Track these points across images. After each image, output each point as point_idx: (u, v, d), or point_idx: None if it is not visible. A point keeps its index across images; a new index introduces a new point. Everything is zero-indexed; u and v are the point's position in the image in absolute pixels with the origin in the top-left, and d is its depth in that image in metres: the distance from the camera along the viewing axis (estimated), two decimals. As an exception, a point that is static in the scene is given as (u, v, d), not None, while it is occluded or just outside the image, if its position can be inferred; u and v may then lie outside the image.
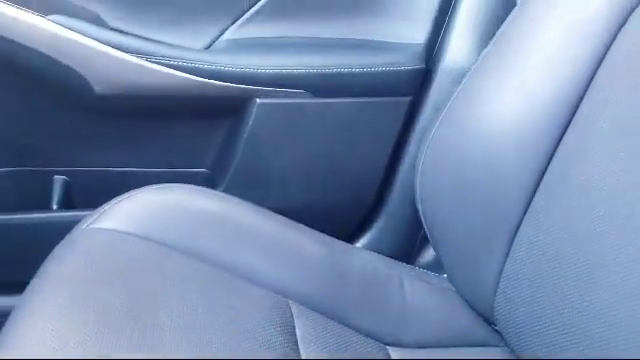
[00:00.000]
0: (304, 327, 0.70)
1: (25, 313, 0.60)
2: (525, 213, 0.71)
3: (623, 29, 0.68)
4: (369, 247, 1.13)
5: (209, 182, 1.08)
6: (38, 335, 0.57)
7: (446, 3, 1.07)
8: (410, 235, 1.09)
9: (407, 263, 0.95)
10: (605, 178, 0.61)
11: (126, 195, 0.81)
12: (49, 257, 0.72)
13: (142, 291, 0.65)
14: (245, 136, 1.06)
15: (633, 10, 0.68)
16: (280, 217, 0.87)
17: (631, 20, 0.67)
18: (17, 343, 0.56)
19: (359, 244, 1.14)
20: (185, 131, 1.11)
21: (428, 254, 1.09)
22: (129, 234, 0.74)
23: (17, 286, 0.69)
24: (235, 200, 0.87)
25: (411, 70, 1.05)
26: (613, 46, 0.68)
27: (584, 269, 0.60)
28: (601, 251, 0.59)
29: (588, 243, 0.60)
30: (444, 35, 1.08)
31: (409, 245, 1.10)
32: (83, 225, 0.75)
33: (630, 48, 0.65)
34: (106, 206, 0.78)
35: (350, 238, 1.12)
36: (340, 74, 1.04)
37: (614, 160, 0.60)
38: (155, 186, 0.85)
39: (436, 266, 1.03)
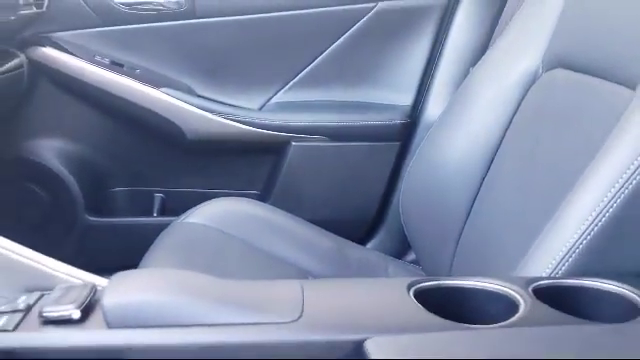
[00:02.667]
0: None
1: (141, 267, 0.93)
2: (467, 217, 0.98)
3: (525, 98, 0.96)
4: (372, 247, 1.42)
5: (261, 200, 1.40)
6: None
7: (425, 77, 1.40)
8: (400, 241, 1.34)
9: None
10: (506, 185, 0.91)
11: (205, 203, 1.15)
12: (157, 239, 1.04)
13: (214, 260, 0.98)
14: (284, 168, 1.42)
15: (530, 86, 0.96)
16: (307, 223, 1.18)
17: (529, 94, 0.96)
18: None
19: (367, 245, 1.41)
20: (244, 164, 1.48)
21: (412, 255, 1.35)
22: (206, 226, 1.08)
23: (133, 267, 0.92)
24: (277, 210, 1.19)
25: (400, 123, 1.40)
26: (518, 111, 0.96)
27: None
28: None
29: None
30: (424, 98, 1.42)
31: (400, 247, 1.37)
32: (178, 220, 1.10)
33: (526, 113, 0.95)
34: (193, 209, 1.12)
35: (359, 241, 1.38)
36: (349, 126, 1.41)
37: (512, 178, 0.91)
38: (225, 198, 1.22)
39: (416, 262, 1.27)
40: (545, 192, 0.79)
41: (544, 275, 0.65)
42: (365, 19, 1.42)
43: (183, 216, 1.12)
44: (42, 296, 0.55)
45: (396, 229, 1.35)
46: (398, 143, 1.42)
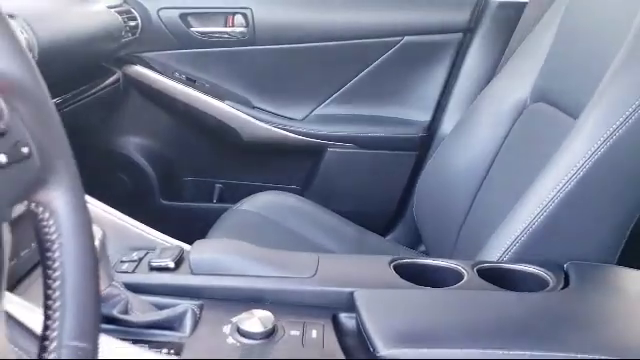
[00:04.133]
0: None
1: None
2: (467, 213, 1.09)
3: (515, 123, 1.08)
4: (390, 238, 1.53)
5: (300, 194, 1.52)
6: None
7: (441, 99, 1.52)
8: (414, 234, 1.38)
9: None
10: (498, 189, 1.03)
11: (255, 194, 1.33)
12: (217, 221, 1.21)
13: (259, 237, 1.11)
14: (320, 169, 1.56)
15: (520, 114, 1.08)
16: (336, 214, 1.32)
17: (517, 122, 1.08)
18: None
19: (386, 237, 1.52)
20: (287, 164, 1.62)
21: (423, 247, 1.41)
22: (255, 213, 1.24)
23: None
24: (312, 202, 1.34)
25: (419, 136, 1.52)
26: (510, 133, 1.09)
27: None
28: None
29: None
30: (439, 116, 1.52)
31: (414, 239, 1.46)
32: (234, 207, 1.27)
33: (514, 135, 1.07)
34: (245, 199, 1.30)
35: (379, 233, 1.46)
36: (375, 137, 1.53)
37: (502, 184, 1.03)
38: (271, 191, 1.38)
39: (427, 253, 1.33)
40: (519, 195, 0.87)
41: (495, 258, 0.79)
42: (393, 50, 1.53)
43: (238, 204, 1.29)
44: (147, 253, 0.79)
45: (411, 224, 1.40)
46: (416, 153, 1.53)
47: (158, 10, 1.50)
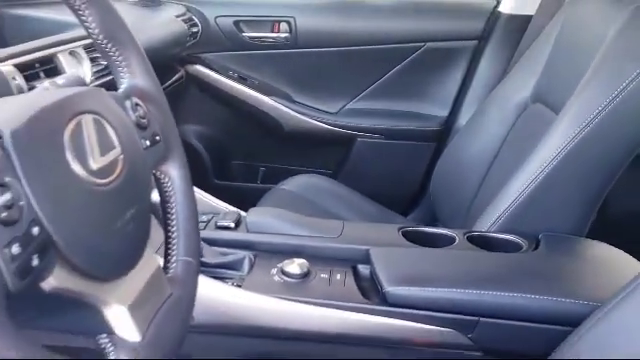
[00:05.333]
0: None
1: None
2: (475, 195, 1.18)
3: (517, 120, 1.18)
4: (410, 218, 1.61)
5: (332, 177, 1.59)
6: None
7: (457, 97, 1.61)
8: (433, 215, 1.43)
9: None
10: (502, 172, 1.05)
11: (293, 177, 1.44)
12: (262, 199, 1.33)
13: (296, 211, 1.29)
14: (350, 156, 1.68)
15: (522, 113, 1.17)
16: (363, 196, 1.43)
17: (519, 119, 1.18)
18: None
19: (407, 217, 1.61)
20: (322, 151, 1.74)
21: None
22: (291, 192, 1.37)
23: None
24: (342, 185, 1.46)
25: (437, 129, 1.62)
26: (512, 129, 1.19)
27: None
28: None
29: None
30: (456, 112, 1.61)
31: (432, 219, 1.46)
32: (275, 188, 1.40)
33: (515, 130, 1.16)
34: (284, 181, 1.43)
35: (401, 213, 1.53)
36: (399, 129, 1.64)
37: (506, 168, 1.04)
38: (307, 174, 1.50)
39: None
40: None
41: (485, 228, 0.92)
42: (416, 54, 1.63)
43: (279, 185, 1.41)
44: (213, 216, 0.99)
45: (429, 206, 1.46)
46: (434, 144, 1.63)
47: (215, 18, 1.63)
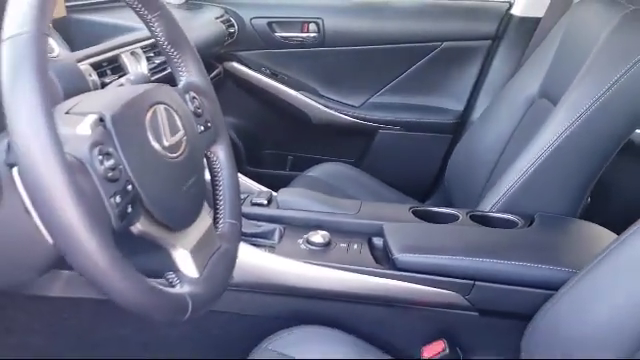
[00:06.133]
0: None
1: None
2: (487, 181, 1.24)
3: (528, 111, 1.24)
4: (428, 204, 1.60)
5: (354, 166, 1.63)
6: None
7: (472, 93, 1.68)
8: (449, 202, 1.43)
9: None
10: (512, 159, 1.08)
11: (319, 165, 1.54)
12: (289, 185, 1.38)
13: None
14: (372, 146, 1.77)
15: (529, 107, 1.23)
16: (383, 183, 1.52)
17: (530, 109, 1.24)
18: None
19: (425, 203, 1.65)
20: (346, 141, 1.82)
21: None
22: (317, 178, 1.46)
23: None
24: (364, 172, 1.55)
25: (453, 122, 1.70)
26: (521, 122, 1.26)
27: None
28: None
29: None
30: (471, 107, 1.68)
31: (447, 205, 1.50)
32: (302, 174, 1.51)
33: (523, 123, 1.23)
34: (311, 168, 1.52)
35: (419, 199, 1.59)
36: (418, 122, 1.72)
37: (515, 155, 1.06)
38: (332, 162, 1.59)
39: None
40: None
41: (488, 208, 1.01)
42: (434, 52, 1.70)
43: (305, 172, 1.50)
44: (248, 195, 1.11)
45: (445, 194, 1.48)
46: (450, 135, 1.70)
47: (251, 19, 1.73)
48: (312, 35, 1.74)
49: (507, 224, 1.00)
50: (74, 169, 0.44)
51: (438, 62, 1.72)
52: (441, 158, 1.72)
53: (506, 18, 1.66)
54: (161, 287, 0.50)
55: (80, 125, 0.48)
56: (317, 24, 1.73)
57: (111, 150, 0.49)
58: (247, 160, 1.86)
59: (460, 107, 1.72)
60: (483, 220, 1.00)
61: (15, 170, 0.46)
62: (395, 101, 1.77)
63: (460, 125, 1.70)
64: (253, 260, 0.90)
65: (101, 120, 0.50)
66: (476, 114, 1.63)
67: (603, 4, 1.12)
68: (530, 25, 1.58)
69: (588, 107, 0.96)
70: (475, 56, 1.69)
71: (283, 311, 0.93)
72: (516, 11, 1.64)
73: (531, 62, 1.30)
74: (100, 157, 0.47)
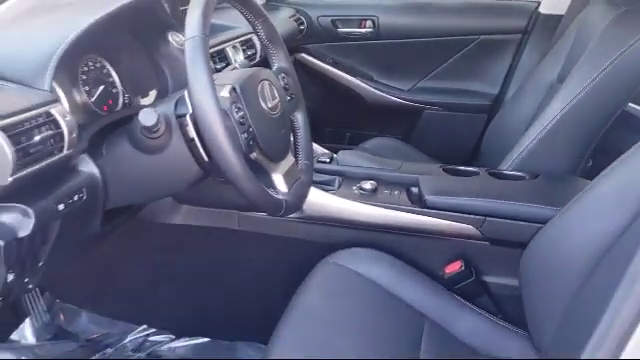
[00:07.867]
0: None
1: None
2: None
3: (548, 93, 1.38)
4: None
5: (402, 141, 1.82)
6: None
7: (505, 78, 1.85)
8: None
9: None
10: (536, 130, 1.39)
11: (371, 139, 1.74)
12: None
13: None
14: (418, 124, 1.96)
15: (549, 90, 1.40)
16: (426, 156, 1.70)
17: (550, 91, 1.39)
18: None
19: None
20: (395, 119, 2.01)
21: None
22: (370, 150, 1.64)
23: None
24: (411, 147, 1.74)
25: (488, 104, 1.88)
26: (544, 99, 1.42)
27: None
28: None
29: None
30: (504, 90, 1.85)
31: None
32: (359, 147, 1.72)
33: (546, 100, 1.31)
34: (365, 142, 1.71)
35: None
36: (458, 103, 1.90)
37: (540, 128, 1.25)
38: (383, 137, 1.81)
39: None
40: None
41: (505, 167, 1.20)
42: (473, 44, 1.87)
43: (360, 145, 1.69)
44: (316, 155, 1.38)
45: (480, 165, 1.60)
46: (486, 115, 1.86)
47: (317, 17, 1.96)
48: (368, 30, 1.93)
49: (516, 178, 1.21)
50: (223, 115, 0.73)
51: (475, 53, 1.89)
52: (478, 134, 1.86)
53: (534, 15, 1.82)
54: (270, 191, 0.79)
55: (222, 91, 0.77)
56: (373, 21, 1.92)
57: (240, 106, 0.78)
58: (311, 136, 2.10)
59: (494, 91, 1.88)
60: (498, 176, 1.22)
61: (188, 116, 0.75)
62: (438, 86, 1.95)
63: (494, 106, 1.85)
64: (320, 199, 1.17)
65: (234, 89, 0.78)
66: (508, 97, 1.79)
67: (605, 5, 1.30)
68: (554, 21, 1.70)
69: (585, 86, 1.13)
70: (507, 48, 1.85)
71: (341, 238, 1.19)
72: (543, 9, 1.81)
73: (553, 53, 1.46)
74: (235, 110, 0.76)
